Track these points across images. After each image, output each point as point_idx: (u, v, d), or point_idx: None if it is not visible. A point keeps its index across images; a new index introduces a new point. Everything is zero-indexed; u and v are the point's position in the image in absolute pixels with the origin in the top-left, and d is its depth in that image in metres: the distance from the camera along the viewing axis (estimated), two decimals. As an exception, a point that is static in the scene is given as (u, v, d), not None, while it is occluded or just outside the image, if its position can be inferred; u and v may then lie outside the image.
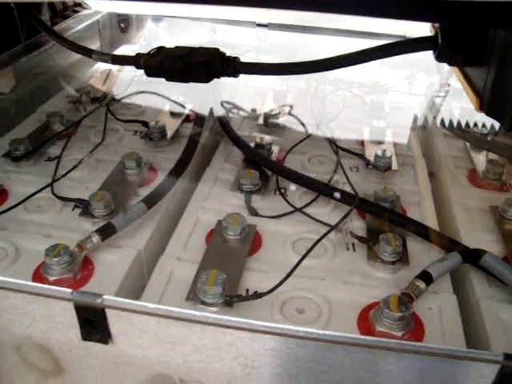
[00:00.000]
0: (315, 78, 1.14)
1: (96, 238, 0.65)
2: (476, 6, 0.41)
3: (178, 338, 0.48)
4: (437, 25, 0.60)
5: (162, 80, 0.71)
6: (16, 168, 0.84)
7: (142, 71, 0.71)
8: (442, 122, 1.01)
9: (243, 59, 0.69)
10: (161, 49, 0.71)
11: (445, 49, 0.59)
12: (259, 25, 1.31)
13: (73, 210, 0.75)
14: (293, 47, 1.31)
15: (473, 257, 0.64)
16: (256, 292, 0.60)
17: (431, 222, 0.74)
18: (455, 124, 1.00)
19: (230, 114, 1.04)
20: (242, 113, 1.05)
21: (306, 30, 1.26)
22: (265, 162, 0.85)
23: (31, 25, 1.03)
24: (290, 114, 1.03)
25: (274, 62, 0.71)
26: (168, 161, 0.85)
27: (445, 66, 0.62)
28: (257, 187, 0.79)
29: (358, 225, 0.73)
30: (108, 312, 0.48)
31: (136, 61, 0.71)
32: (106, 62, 0.80)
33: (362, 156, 0.89)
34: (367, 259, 0.67)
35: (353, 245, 0.70)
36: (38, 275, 0.62)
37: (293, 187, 0.81)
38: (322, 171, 0.85)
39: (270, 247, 0.70)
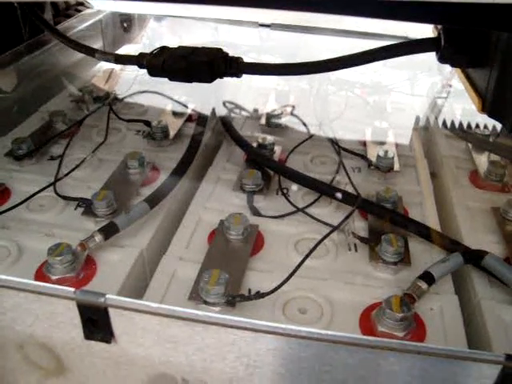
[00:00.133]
0: (317, 78, 1.14)
1: (99, 238, 0.65)
2: (478, 8, 0.42)
3: (180, 338, 0.48)
4: (439, 26, 0.60)
5: (165, 80, 0.71)
6: (18, 167, 0.84)
7: (144, 71, 0.71)
8: (444, 123, 1.01)
9: (246, 59, 0.69)
10: (164, 48, 0.71)
11: (447, 50, 0.59)
12: (262, 25, 1.31)
13: (75, 209, 0.75)
14: (295, 47, 1.31)
15: (474, 258, 0.64)
16: (258, 292, 0.60)
17: (433, 222, 0.74)
18: (457, 125, 1.00)
19: (233, 114, 1.04)
20: (244, 113, 1.05)
21: (308, 30, 1.26)
22: (267, 162, 0.85)
23: (34, 24, 1.04)
24: (292, 114, 1.03)
25: (276, 62, 0.71)
26: (170, 160, 0.85)
27: (447, 67, 0.62)
28: (259, 187, 0.79)
29: (359, 225, 0.74)
30: (111, 311, 0.48)
31: (139, 60, 0.71)
32: (109, 61, 0.80)
33: (364, 157, 0.89)
34: (369, 260, 0.67)
35: (355, 245, 0.70)
36: (41, 274, 0.62)
37: (295, 187, 0.81)
38: (324, 171, 0.86)
39: (272, 247, 0.70)
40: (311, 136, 0.96)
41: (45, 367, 0.57)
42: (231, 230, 0.68)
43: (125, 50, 1.35)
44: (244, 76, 0.69)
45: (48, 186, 0.77)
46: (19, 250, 0.67)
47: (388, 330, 0.55)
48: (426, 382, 0.46)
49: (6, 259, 0.65)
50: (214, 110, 1.01)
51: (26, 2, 0.96)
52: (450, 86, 1.14)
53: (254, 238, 0.69)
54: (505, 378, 0.43)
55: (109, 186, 0.78)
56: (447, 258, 0.64)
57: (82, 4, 1.36)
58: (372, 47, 0.63)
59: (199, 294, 0.59)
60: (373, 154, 0.89)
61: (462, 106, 1.05)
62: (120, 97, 1.07)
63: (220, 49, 0.69)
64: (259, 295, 0.58)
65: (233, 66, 0.68)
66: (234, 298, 0.58)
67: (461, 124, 0.99)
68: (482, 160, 0.88)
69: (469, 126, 0.98)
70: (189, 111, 1.01)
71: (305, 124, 1.00)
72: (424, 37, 0.63)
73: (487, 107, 0.56)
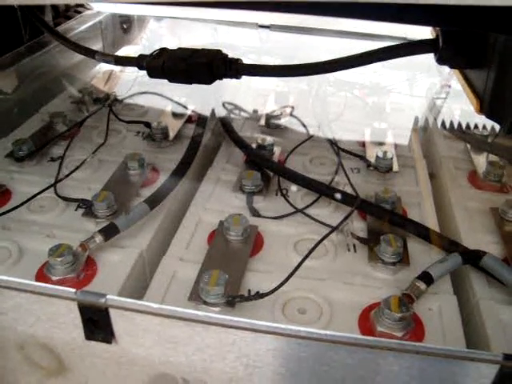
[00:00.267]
0: (317, 79, 1.14)
1: (99, 238, 0.65)
2: (476, 10, 0.42)
3: (180, 338, 0.49)
4: (438, 28, 0.61)
5: (165, 81, 0.71)
6: (19, 168, 0.84)
7: (144, 72, 0.72)
8: (443, 124, 1.01)
9: (245, 60, 0.70)
10: (163, 50, 0.71)
11: (446, 51, 0.59)
12: (261, 26, 1.31)
13: (76, 210, 0.75)
14: (294, 48, 1.31)
15: (473, 258, 0.65)
16: (258, 292, 0.60)
17: (431, 223, 0.74)
18: (456, 125, 1.00)
19: (232, 115, 1.04)
20: (243, 114, 1.05)
21: (307, 31, 1.27)
22: (266, 163, 0.85)
23: (34, 25, 1.04)
24: (291, 115, 1.03)
25: (275, 63, 0.72)
26: (170, 161, 0.85)
27: (446, 68, 0.62)
28: (258, 188, 0.79)
29: (358, 226, 0.74)
30: (111, 312, 0.49)
31: (139, 62, 0.72)
32: (109, 62, 0.81)
33: (363, 157, 0.89)
34: (368, 260, 0.67)
35: (354, 246, 0.70)
36: (42, 275, 0.63)
37: (294, 188, 0.82)
38: (324, 172, 0.86)
39: (271, 248, 0.70)
40: (310, 137, 0.96)
41: (46, 367, 0.57)
42: (231, 230, 0.69)
43: (124, 51, 1.35)
44: (243, 77, 0.70)
45: (48, 187, 0.78)
46: (20, 250, 0.67)
47: (387, 330, 0.55)
48: (425, 381, 0.46)
49: (7, 260, 0.65)
50: (213, 110, 1.01)
51: (26, 4, 0.96)
52: (449, 86, 1.15)
53: (254, 239, 0.70)
54: (502, 377, 0.43)
55: (109, 187, 0.78)
56: (446, 258, 0.64)
57: (81, 5, 1.36)
58: (371, 48, 0.64)
59: (199, 294, 0.59)
60: (372, 154, 0.89)
61: (461, 107, 1.05)
62: (120, 98, 1.07)
63: (219, 50, 0.69)
64: (259, 296, 0.58)
65: (232, 68, 0.68)
66: (234, 299, 0.58)
67: (459, 124, 1.00)
68: (481, 160, 0.88)
69: (467, 126, 0.99)
70: (188, 112, 1.02)
71: (304, 125, 1.00)
72: (423, 38, 0.63)
73: (485, 108, 0.56)
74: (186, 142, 0.91)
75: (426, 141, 1.01)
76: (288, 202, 0.79)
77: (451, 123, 1.01)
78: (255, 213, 0.76)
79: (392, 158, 0.86)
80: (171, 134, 0.93)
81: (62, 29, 1.21)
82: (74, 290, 0.49)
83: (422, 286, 0.60)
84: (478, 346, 0.58)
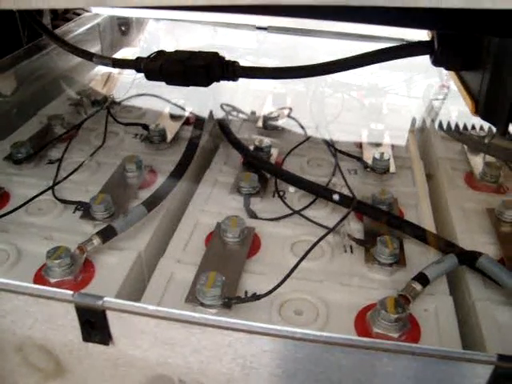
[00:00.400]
0: (314, 80, 1.14)
1: (97, 241, 0.65)
2: (469, 13, 0.42)
3: (177, 340, 0.49)
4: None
5: (162, 83, 0.72)
6: (17, 171, 0.85)
7: (142, 74, 0.72)
8: (440, 125, 1.02)
9: (243, 62, 0.70)
10: (161, 53, 0.72)
11: (441, 53, 0.59)
12: (259, 28, 1.32)
13: (74, 212, 0.76)
14: (292, 50, 1.32)
15: (469, 259, 0.65)
16: (254, 294, 0.60)
17: (428, 224, 0.75)
18: (453, 126, 1.00)
19: (230, 117, 1.04)
20: (241, 115, 1.05)
21: (305, 32, 1.27)
22: (264, 164, 0.85)
23: (33, 28, 1.04)
24: (289, 116, 1.04)
25: (273, 64, 0.72)
26: (168, 163, 0.85)
27: (443, 69, 0.63)
28: (256, 190, 0.80)
29: (355, 227, 0.74)
30: (108, 314, 0.49)
31: (136, 64, 0.72)
32: (106, 65, 0.81)
33: (360, 159, 0.90)
34: (365, 261, 0.68)
35: (350, 247, 0.70)
36: (40, 277, 0.63)
37: (291, 190, 0.82)
38: (321, 174, 0.86)
39: (268, 249, 0.70)
40: (308, 138, 0.97)
41: (44, 369, 0.57)
42: (228, 232, 0.69)
43: (123, 53, 1.36)
44: (241, 79, 0.70)
45: (47, 190, 0.78)
46: (18, 253, 0.67)
47: (383, 331, 0.56)
48: (421, 382, 0.46)
49: (5, 262, 0.65)
50: (211, 112, 1.01)
51: (24, 9, 0.96)
52: (447, 87, 1.15)
53: (251, 241, 0.70)
54: (497, 377, 0.43)
55: (107, 190, 0.79)
56: (442, 259, 0.65)
57: (80, 8, 1.36)
58: (369, 49, 0.64)
59: (196, 296, 0.59)
60: (369, 156, 0.90)
61: (458, 108, 1.05)
62: (118, 100, 1.07)
63: (216, 53, 0.70)
64: (255, 297, 0.59)
65: (229, 70, 0.69)
66: (231, 300, 0.59)
67: (456, 125, 1.00)
68: (478, 161, 0.89)
69: (464, 127, 0.99)
70: (186, 114, 1.02)
71: (302, 126, 1.00)
72: (421, 39, 0.63)
73: (480, 110, 0.56)
74: (183, 143, 0.91)
75: (423, 142, 1.01)
76: (285, 203, 0.79)
77: (448, 124, 1.01)
78: (252, 214, 0.76)
79: (389, 160, 0.86)
80: (169, 136, 0.93)
81: (61, 31, 1.21)
82: (71, 293, 0.49)
83: (418, 286, 0.60)
84: (473, 346, 0.59)
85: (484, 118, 0.56)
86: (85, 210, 0.74)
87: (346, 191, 0.79)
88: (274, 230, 0.73)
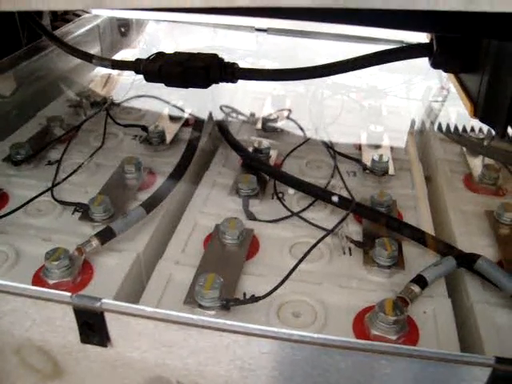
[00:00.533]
0: (313, 82, 1.14)
1: (95, 242, 0.65)
2: (468, 16, 0.42)
3: (175, 341, 0.49)
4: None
5: (162, 85, 0.72)
6: (16, 172, 0.85)
7: (141, 76, 0.72)
8: (439, 127, 1.02)
9: (242, 64, 0.70)
10: (160, 54, 0.72)
11: (440, 56, 0.59)
12: (258, 29, 1.32)
13: (73, 213, 0.75)
14: (292, 51, 1.32)
15: (467, 261, 0.65)
16: (253, 296, 0.60)
17: (427, 226, 0.75)
18: (452, 129, 1.00)
19: (229, 118, 1.04)
20: (240, 117, 1.05)
21: (304, 34, 1.27)
22: (262, 166, 0.85)
23: (32, 29, 1.04)
24: (288, 118, 1.04)
25: (272, 66, 0.72)
26: (167, 165, 0.85)
27: (442, 72, 0.63)
28: (255, 192, 0.80)
29: (354, 229, 0.74)
30: (107, 315, 0.49)
31: (136, 66, 0.72)
32: (105, 67, 0.81)
33: (358, 161, 0.90)
34: (363, 263, 0.68)
35: (349, 249, 0.70)
36: (38, 279, 0.63)
37: (290, 192, 0.82)
38: (320, 176, 0.86)
39: (267, 251, 0.70)
40: (307, 140, 0.97)
41: (42, 371, 0.57)
42: (227, 234, 0.69)
43: (122, 54, 1.36)
44: (240, 80, 0.70)
45: (46, 191, 0.78)
46: (17, 254, 0.67)
47: (381, 334, 0.56)
48: (419, 384, 0.46)
49: (4, 264, 0.65)
50: (210, 114, 1.01)
51: (23, 10, 0.96)
52: (446, 89, 1.15)
53: (250, 243, 0.70)
54: (495, 380, 0.43)
55: (106, 191, 0.79)
56: (440, 261, 0.65)
57: (79, 9, 1.36)
58: (368, 51, 0.64)
59: (195, 297, 0.59)
60: (368, 158, 0.90)
61: (457, 110, 1.05)
62: (117, 102, 1.07)
63: (216, 54, 0.70)
64: (254, 299, 0.58)
65: (228, 72, 0.69)
66: (229, 302, 0.59)
67: (455, 128, 1.00)
68: (477, 163, 0.89)
69: (463, 129, 0.99)
70: (185, 116, 1.02)
71: (301, 128, 1.00)
72: (419, 41, 0.64)
73: (479, 112, 0.56)
74: (182, 145, 0.91)
75: (422, 144, 1.01)
76: (284, 205, 0.79)
77: (447, 126, 1.01)
78: (251, 216, 0.76)
79: (388, 161, 0.86)
80: (168, 138, 0.94)
81: (60, 32, 1.21)
82: (69, 294, 0.49)
83: (417, 289, 0.60)
84: (472, 348, 0.59)
85: (482, 120, 0.56)
86: (84, 211, 0.74)
87: (344, 193, 0.79)
88: (273, 232, 0.73)
